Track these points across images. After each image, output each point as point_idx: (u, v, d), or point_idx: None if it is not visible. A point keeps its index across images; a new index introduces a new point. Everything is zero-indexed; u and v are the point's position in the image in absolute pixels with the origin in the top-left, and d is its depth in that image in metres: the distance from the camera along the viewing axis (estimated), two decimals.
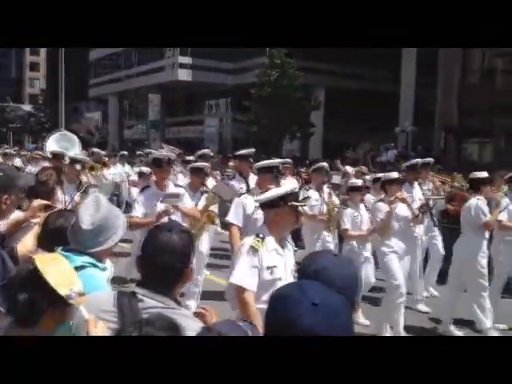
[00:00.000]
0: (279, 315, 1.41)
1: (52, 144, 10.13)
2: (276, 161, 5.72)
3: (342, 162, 14.48)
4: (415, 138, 26.62)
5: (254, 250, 3.38)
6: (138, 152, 12.79)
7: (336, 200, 7.26)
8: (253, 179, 7.45)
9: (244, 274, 3.36)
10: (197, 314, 2.23)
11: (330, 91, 34.82)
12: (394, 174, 6.45)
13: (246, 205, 5.41)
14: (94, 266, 2.36)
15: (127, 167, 13.90)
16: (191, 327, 1.85)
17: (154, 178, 7.80)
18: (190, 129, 44.14)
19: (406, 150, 25.09)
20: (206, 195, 6.70)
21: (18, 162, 13.49)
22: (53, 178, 3.97)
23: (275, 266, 3.39)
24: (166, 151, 9.13)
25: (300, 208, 3.60)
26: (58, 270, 1.80)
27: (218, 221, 7.04)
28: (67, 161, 7.66)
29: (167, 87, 43.69)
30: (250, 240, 3.46)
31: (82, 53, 53.60)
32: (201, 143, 38.90)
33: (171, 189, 5.85)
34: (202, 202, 6.59)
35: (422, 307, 7.32)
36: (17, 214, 3.15)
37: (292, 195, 3.51)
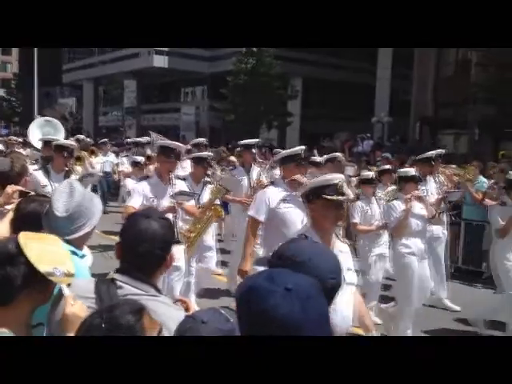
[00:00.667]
0: (253, 308, 1.37)
1: (35, 130, 9.58)
2: (297, 148, 5.21)
3: (319, 151, 14.53)
4: (391, 129, 26.92)
5: None
6: (128, 140, 12.20)
7: (351, 193, 6.69)
8: (255, 171, 7.22)
9: None
10: (177, 302, 2.22)
11: (307, 81, 34.90)
12: (411, 171, 6.09)
13: (269, 197, 4.87)
14: (73, 253, 2.31)
15: (112, 156, 13.52)
16: (173, 315, 1.84)
17: (151, 167, 7.41)
18: (166, 116, 43.78)
19: (382, 141, 25.35)
20: (210, 186, 6.41)
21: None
22: (20, 161, 3.82)
23: None
24: (155, 139, 8.81)
25: (340, 201, 3.07)
26: (45, 249, 1.75)
27: (223, 214, 6.69)
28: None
29: (143, 73, 43.21)
30: None
31: None
32: (177, 131, 38.66)
33: (176, 184, 5.39)
34: (207, 194, 6.29)
35: (451, 305, 6.97)
36: None
37: (329, 187, 3.04)
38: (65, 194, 2.38)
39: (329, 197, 3.01)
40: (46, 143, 7.59)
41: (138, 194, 5.25)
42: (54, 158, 6.39)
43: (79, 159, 8.31)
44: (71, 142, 7.65)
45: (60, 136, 9.10)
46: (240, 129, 29.76)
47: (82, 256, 2.43)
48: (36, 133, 9.44)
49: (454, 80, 22.70)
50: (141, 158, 8.83)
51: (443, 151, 7.92)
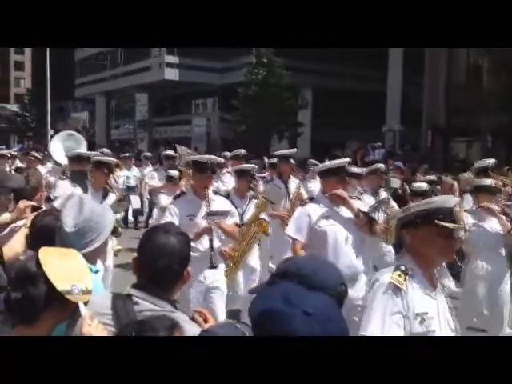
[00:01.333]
0: (273, 331, 1.36)
1: (57, 144, 9.28)
2: (341, 161, 4.72)
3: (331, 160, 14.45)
4: (402, 137, 26.80)
5: (395, 290, 2.39)
6: (163, 153, 11.48)
7: (396, 206, 6.12)
8: (294, 183, 6.91)
9: (385, 327, 2.36)
10: (194, 318, 2.20)
11: (317, 90, 34.90)
12: (487, 181, 5.55)
13: (310, 215, 4.42)
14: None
15: (135, 170, 13.09)
16: (189, 331, 1.82)
17: (183, 182, 7.27)
18: (178, 128, 44.00)
19: (394, 149, 25.24)
20: (255, 201, 5.95)
21: (19, 163, 12.41)
22: (35, 176, 3.85)
23: (427, 314, 2.41)
24: (182, 152, 8.49)
25: (457, 230, 2.49)
26: (64, 266, 1.75)
27: (270, 230, 6.05)
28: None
29: (154, 87, 43.50)
30: (387, 275, 2.45)
31: (68, 52, 53.24)
32: (189, 143, 38.82)
33: (214, 200, 4.84)
34: (252, 209, 5.85)
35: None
36: (3, 216, 3.10)
37: (443, 212, 2.47)
38: (74, 209, 2.39)
39: (445, 224, 2.45)
40: (74, 158, 7.14)
41: (172, 215, 4.68)
42: (94, 174, 5.88)
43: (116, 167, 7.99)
44: (111, 157, 7.39)
45: (82, 150, 8.88)
46: (251, 139, 29.83)
47: (96, 271, 2.42)
48: (58, 147, 9.21)
49: (466, 87, 22.59)
50: (174, 173, 8.24)
51: (495, 160, 7.54)
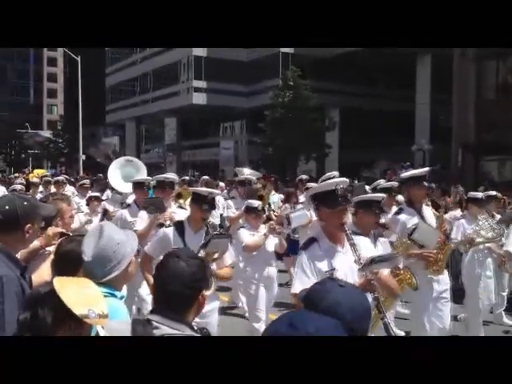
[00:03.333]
0: None
1: (115, 170, 8.75)
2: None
3: (359, 181, 14.40)
4: (432, 156, 26.49)
5: None
6: (237, 179, 10.03)
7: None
8: (427, 211, 5.35)
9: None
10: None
11: (345, 111, 34.91)
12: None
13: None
14: (112, 295, 2.34)
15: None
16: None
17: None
18: (205, 151, 44.45)
19: None
20: (383, 240, 4.83)
21: (68, 190, 11.89)
22: (55, 202, 3.86)
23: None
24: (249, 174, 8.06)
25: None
26: (79, 292, 1.77)
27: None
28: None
29: (182, 111, 44.20)
30: None
31: (99, 79, 54.63)
32: (217, 165, 39.14)
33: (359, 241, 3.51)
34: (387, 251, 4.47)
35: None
36: (33, 243, 3.15)
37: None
38: (93, 238, 2.43)
39: None
40: (138, 185, 6.69)
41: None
42: (192, 211, 4.77)
43: (180, 196, 7.60)
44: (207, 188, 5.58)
45: (143, 176, 8.24)
46: (278, 161, 29.90)
47: (122, 297, 2.45)
48: (116, 174, 8.72)
49: (497, 103, 22.29)
50: (258, 203, 6.55)
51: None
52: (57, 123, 64.57)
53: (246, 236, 6.20)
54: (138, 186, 6.71)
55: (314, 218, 5.54)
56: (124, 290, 2.55)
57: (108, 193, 11.08)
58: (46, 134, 65.01)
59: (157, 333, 1.96)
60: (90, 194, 9.01)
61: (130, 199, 7.27)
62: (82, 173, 30.50)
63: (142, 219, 5.94)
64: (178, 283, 2.03)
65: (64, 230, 3.26)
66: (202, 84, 40.83)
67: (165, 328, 1.97)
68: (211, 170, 35.06)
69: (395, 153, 27.63)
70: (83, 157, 35.26)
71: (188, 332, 1.99)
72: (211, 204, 4.62)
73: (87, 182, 11.66)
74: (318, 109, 30.44)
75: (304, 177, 10.82)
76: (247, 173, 9.37)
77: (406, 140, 28.92)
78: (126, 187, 8.14)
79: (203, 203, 4.51)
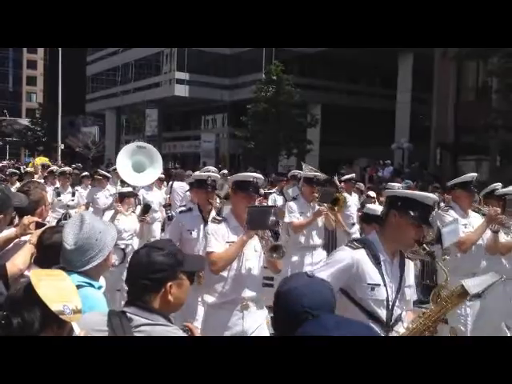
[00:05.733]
0: None
1: (124, 158, 7.21)
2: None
3: (338, 177, 14.47)
4: (411, 155, 26.78)
5: None
6: (291, 173, 9.57)
7: None
8: (475, 218, 5.13)
9: None
10: (186, 331, 2.22)
11: (327, 107, 35.04)
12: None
13: None
14: (90, 285, 2.34)
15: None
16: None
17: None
18: (187, 144, 44.25)
19: (403, 167, 25.21)
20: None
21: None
22: (37, 190, 3.68)
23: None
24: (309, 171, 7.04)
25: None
26: (54, 286, 1.77)
27: None
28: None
29: (164, 102, 43.90)
30: None
31: (80, 67, 53.92)
32: (198, 158, 39.02)
33: None
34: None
35: None
36: (6, 231, 3.12)
37: None
38: (74, 226, 2.42)
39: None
40: (199, 183, 5.03)
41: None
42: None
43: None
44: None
45: (157, 166, 7.37)
46: (260, 156, 29.93)
47: (99, 287, 2.44)
48: (126, 163, 7.14)
49: (475, 105, 22.59)
50: (322, 208, 6.26)
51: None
52: (35, 111, 63.62)
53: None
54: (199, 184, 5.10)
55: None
56: (102, 281, 2.55)
57: (118, 187, 10.67)
58: (25, 121, 64.03)
59: (132, 324, 1.97)
60: (120, 190, 7.18)
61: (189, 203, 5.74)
62: (60, 162, 30.16)
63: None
64: (138, 274, 2.03)
65: (40, 220, 3.23)
66: (184, 76, 40.59)
67: (138, 319, 1.98)
68: (192, 162, 34.96)
69: (375, 150, 27.87)
70: (62, 146, 34.83)
71: (161, 321, 2.00)
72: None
73: (103, 172, 11.13)
74: (301, 104, 30.51)
75: (296, 172, 9.78)
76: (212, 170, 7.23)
77: (386, 138, 29.18)
78: (138, 179, 7.19)
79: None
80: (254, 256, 3.80)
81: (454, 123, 23.82)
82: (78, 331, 1.82)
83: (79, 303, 1.78)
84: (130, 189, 6.95)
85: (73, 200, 9.76)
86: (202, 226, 4.73)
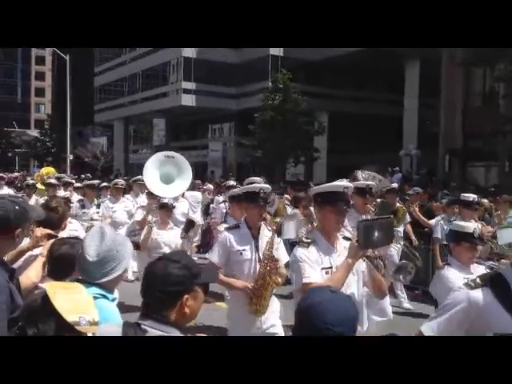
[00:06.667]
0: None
1: (152, 169, 6.82)
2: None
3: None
4: (419, 162, 26.67)
5: None
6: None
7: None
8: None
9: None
10: None
11: (334, 115, 35.04)
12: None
13: None
14: (104, 297, 2.35)
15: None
16: None
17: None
18: (194, 153, 44.37)
19: (411, 174, 25.10)
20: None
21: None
22: (62, 205, 3.95)
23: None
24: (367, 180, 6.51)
25: None
26: (70, 298, 1.78)
27: None
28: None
29: (171, 112, 44.08)
30: None
31: (88, 78, 54.31)
32: (205, 167, 39.09)
33: None
34: None
35: None
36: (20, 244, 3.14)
37: None
38: (95, 238, 2.43)
39: None
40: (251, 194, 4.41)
41: None
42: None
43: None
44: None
45: (187, 177, 7.00)
46: (267, 164, 29.94)
47: (113, 299, 2.46)
48: (154, 174, 6.78)
49: (484, 111, 22.49)
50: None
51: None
52: (44, 122, 64.06)
53: None
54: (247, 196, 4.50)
55: None
56: (116, 293, 2.56)
57: (143, 198, 10.17)
58: (34, 132, 64.47)
59: (146, 336, 1.97)
60: (163, 201, 6.77)
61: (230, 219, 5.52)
62: (69, 173, 30.31)
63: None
64: (154, 286, 2.02)
65: (52, 232, 3.25)
66: (191, 85, 40.74)
67: (153, 331, 1.98)
68: (199, 171, 35.01)
69: (383, 157, 27.79)
70: (71, 156, 35.03)
71: (177, 334, 1.99)
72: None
73: (122, 182, 10.76)
74: (308, 112, 30.52)
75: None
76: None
77: (394, 145, 29.10)
78: (166, 191, 6.79)
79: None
80: (353, 281, 3.22)
81: (462, 129, 23.71)
82: None
83: (96, 315, 1.79)
84: (169, 200, 6.61)
85: (97, 212, 9.34)
86: (253, 245, 4.21)
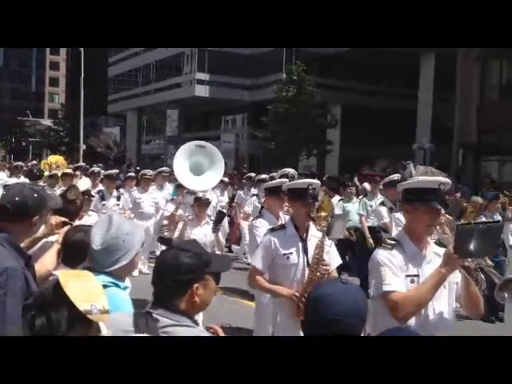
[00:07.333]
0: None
1: (182, 159, 6.40)
2: None
3: (359, 178, 14.40)
4: (433, 155, 26.49)
5: None
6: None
7: None
8: None
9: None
10: (210, 330, 2.23)
11: (347, 108, 34.88)
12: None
13: None
14: (116, 285, 2.36)
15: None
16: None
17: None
18: None
19: None
20: None
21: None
22: (80, 196, 3.97)
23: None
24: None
25: None
26: (82, 286, 1.79)
27: None
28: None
29: (184, 103, 44.14)
30: None
31: (102, 68, 54.50)
32: None
33: None
34: None
35: None
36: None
37: None
38: (102, 227, 2.44)
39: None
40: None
41: None
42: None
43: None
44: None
45: (219, 169, 6.63)
46: (280, 156, 29.91)
47: (125, 288, 2.46)
48: (183, 165, 6.37)
49: (498, 104, 22.25)
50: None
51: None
52: (58, 112, 64.47)
53: None
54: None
55: None
56: (127, 282, 2.57)
57: (169, 189, 10.07)
58: (47, 122, 64.92)
59: (158, 325, 1.98)
60: (198, 194, 6.13)
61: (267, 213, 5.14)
62: (81, 162, 30.50)
63: None
64: (165, 276, 2.03)
65: (67, 220, 3.27)
66: (204, 76, 40.77)
67: (164, 320, 1.99)
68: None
69: (396, 151, 27.63)
70: (84, 146, 35.22)
71: (187, 323, 2.00)
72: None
73: (151, 172, 10.19)
74: (322, 105, 30.40)
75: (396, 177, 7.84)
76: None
77: (407, 138, 28.92)
78: (197, 183, 6.33)
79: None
80: (444, 294, 2.77)
81: (476, 123, 23.48)
82: (105, 331, 1.84)
83: (106, 303, 1.80)
84: (203, 194, 5.99)
85: (118, 205, 8.84)
86: (300, 248, 3.82)
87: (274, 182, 5.47)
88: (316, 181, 4.08)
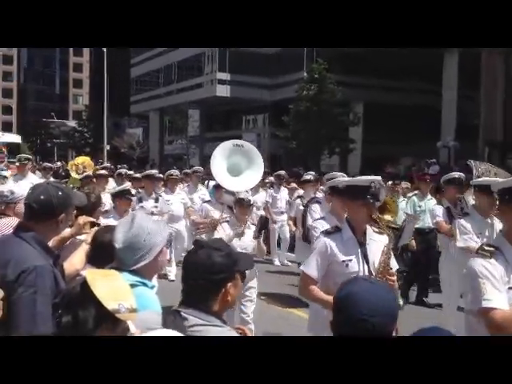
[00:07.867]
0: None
1: (220, 158, 6.24)
2: None
3: (382, 177, 14.23)
4: (457, 153, 26.12)
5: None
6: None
7: None
8: None
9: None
10: (238, 330, 2.23)
11: (369, 105, 34.59)
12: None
13: None
14: (143, 284, 2.37)
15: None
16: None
17: None
18: None
19: (449, 166, 24.62)
20: None
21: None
22: (96, 191, 3.99)
23: None
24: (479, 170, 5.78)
25: None
26: (110, 285, 1.79)
27: None
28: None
29: (206, 103, 44.31)
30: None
31: (124, 70, 55.05)
32: None
33: None
34: None
35: None
36: (63, 231, 3.20)
37: None
38: (125, 225, 2.45)
39: None
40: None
41: None
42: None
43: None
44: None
45: (258, 168, 6.41)
46: (301, 156, 29.82)
47: (152, 287, 2.47)
48: (221, 165, 6.20)
49: None
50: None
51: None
52: (82, 113, 65.32)
53: None
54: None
55: None
56: (154, 281, 2.58)
57: (203, 191, 9.99)
58: (72, 123, 65.82)
59: (186, 324, 1.98)
60: (239, 195, 5.66)
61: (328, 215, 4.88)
62: (106, 163, 30.85)
63: None
64: (197, 275, 2.03)
65: (95, 220, 3.31)
66: (225, 76, 40.86)
67: (192, 319, 1.99)
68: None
69: (420, 149, 27.31)
70: (108, 147, 35.63)
71: (216, 323, 2.00)
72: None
73: (177, 172, 9.90)
74: (344, 103, 30.22)
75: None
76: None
77: (431, 136, 28.57)
78: (235, 184, 6.09)
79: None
80: None
81: (503, 121, 23.09)
82: (133, 330, 1.84)
83: (134, 302, 1.80)
84: (248, 196, 5.61)
85: (156, 207, 8.39)
86: (359, 254, 3.43)
87: (337, 180, 4.92)
88: (378, 177, 3.60)
